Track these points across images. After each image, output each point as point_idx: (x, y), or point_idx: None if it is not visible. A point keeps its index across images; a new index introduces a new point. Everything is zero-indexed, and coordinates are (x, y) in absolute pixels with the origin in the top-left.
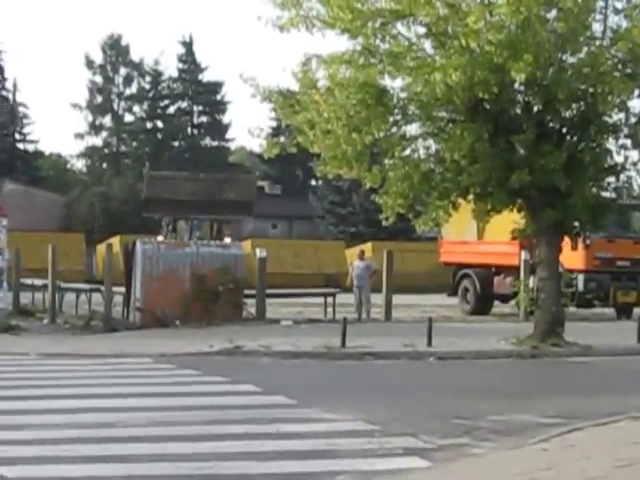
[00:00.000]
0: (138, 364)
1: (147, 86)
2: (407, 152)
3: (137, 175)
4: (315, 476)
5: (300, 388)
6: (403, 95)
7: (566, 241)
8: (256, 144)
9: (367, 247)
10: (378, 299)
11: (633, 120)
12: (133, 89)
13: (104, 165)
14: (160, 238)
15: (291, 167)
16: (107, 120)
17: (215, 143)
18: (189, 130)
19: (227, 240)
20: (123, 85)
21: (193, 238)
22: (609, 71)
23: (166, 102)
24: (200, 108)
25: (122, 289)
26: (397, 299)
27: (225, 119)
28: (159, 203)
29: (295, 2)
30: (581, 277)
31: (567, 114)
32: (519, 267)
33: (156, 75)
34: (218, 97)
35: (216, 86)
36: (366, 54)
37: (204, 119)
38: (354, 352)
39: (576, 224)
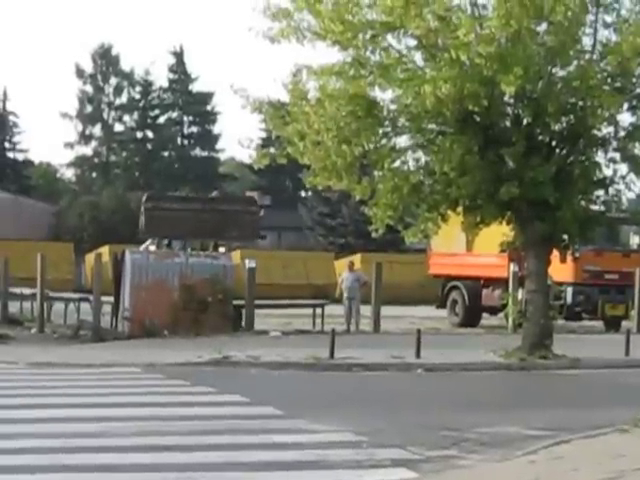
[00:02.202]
0: (126, 374)
1: (137, 96)
2: (397, 164)
3: (127, 185)
4: None
5: (288, 399)
6: (393, 107)
7: (555, 254)
8: (246, 155)
9: (356, 259)
10: (367, 311)
11: (622, 134)
12: (123, 99)
13: (94, 174)
14: (152, 247)
15: (281, 178)
16: (97, 130)
17: (205, 153)
18: (179, 140)
19: (222, 249)
20: (113, 95)
21: (187, 249)
22: (598, 85)
23: (156, 112)
24: (190, 118)
25: (111, 299)
26: (385, 311)
27: (215, 130)
28: (158, 234)
29: (286, 13)
30: (570, 290)
31: (556, 127)
32: (508, 279)
33: (146, 85)
34: (208, 107)
35: (206, 96)
36: (356, 66)
37: (194, 129)
38: (342, 363)
39: (565, 237)
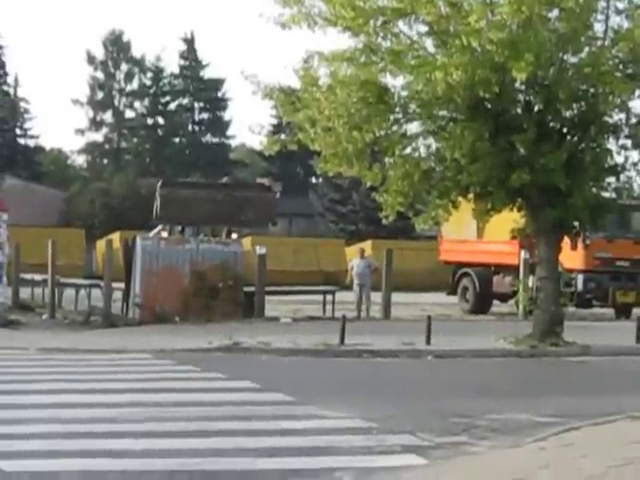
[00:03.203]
0: (137, 360)
1: (148, 82)
2: (408, 150)
3: (138, 171)
4: (313, 473)
5: (298, 385)
6: (404, 93)
7: (566, 241)
8: (257, 141)
9: (367, 245)
10: (377, 297)
11: (634, 120)
12: (134, 85)
13: (105, 161)
14: (164, 234)
15: (291, 164)
16: (108, 116)
17: (216, 140)
18: (190, 127)
19: (234, 236)
20: (124, 81)
21: (199, 236)
22: (610, 71)
23: (167, 98)
24: (201, 105)
25: (122, 285)
26: (396, 297)
27: (226, 116)
28: (173, 220)
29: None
30: (580, 277)
31: (568, 114)
32: (518, 266)
33: (157, 71)
34: (219, 94)
35: (217, 83)
36: (367, 52)
37: (205, 116)
38: (353, 350)
39: (576, 224)
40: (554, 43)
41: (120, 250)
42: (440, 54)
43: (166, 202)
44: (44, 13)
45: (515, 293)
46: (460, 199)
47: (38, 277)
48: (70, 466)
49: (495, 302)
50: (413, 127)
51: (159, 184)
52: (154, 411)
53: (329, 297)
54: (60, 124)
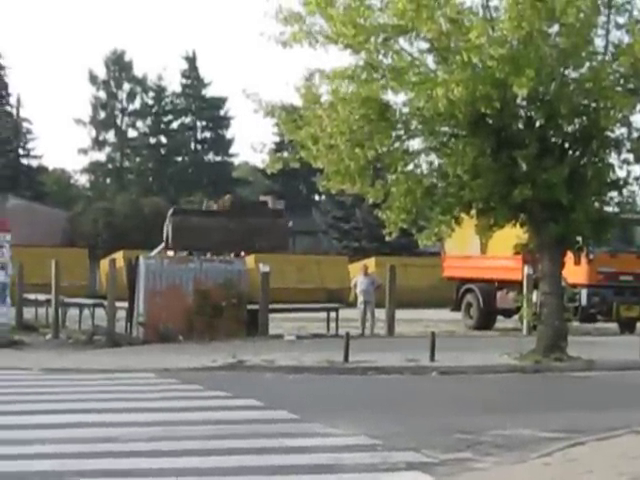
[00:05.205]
0: (141, 379)
1: (150, 101)
2: (410, 167)
3: (140, 190)
4: None
5: (303, 403)
6: (406, 110)
7: (569, 256)
8: (259, 159)
9: (370, 262)
10: (381, 314)
11: (635, 135)
12: (136, 104)
13: (107, 180)
14: (170, 253)
15: (294, 182)
16: (110, 135)
17: (218, 158)
18: (192, 145)
19: (241, 254)
20: (126, 100)
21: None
22: (611, 86)
23: (169, 117)
24: (203, 123)
25: (125, 304)
26: (400, 314)
27: (228, 134)
28: (185, 248)
29: (298, 18)
30: (584, 292)
31: (569, 129)
32: (522, 282)
33: (159, 90)
34: (221, 112)
35: (219, 101)
36: (369, 69)
37: (207, 134)
38: (357, 367)
39: (579, 239)
40: (555, 58)
41: (124, 269)
42: (441, 70)
43: (178, 230)
44: (46, 33)
45: (519, 309)
46: (463, 215)
47: (42, 297)
48: None
49: (499, 318)
50: (415, 143)
51: (170, 212)
52: (158, 430)
53: (333, 314)
54: (63, 144)
